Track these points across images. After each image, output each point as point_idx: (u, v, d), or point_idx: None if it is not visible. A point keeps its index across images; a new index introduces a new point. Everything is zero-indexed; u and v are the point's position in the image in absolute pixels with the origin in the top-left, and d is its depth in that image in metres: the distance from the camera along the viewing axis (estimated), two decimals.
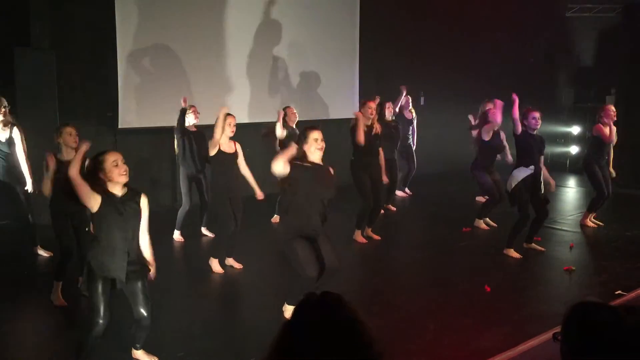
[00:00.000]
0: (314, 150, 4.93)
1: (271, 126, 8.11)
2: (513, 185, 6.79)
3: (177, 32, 9.25)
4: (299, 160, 4.89)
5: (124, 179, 4.03)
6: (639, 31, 11.06)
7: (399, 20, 11.70)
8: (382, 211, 8.92)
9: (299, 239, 4.85)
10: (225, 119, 6.27)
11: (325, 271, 4.97)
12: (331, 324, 1.59)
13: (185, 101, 7.38)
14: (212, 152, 6.28)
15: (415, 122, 10.15)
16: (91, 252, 4.05)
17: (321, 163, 5.01)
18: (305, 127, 5.14)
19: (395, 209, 9.35)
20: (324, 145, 4.98)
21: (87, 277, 4.04)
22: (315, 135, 4.95)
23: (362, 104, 7.63)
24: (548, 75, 13.10)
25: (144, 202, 4.15)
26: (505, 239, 7.05)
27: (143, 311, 4.11)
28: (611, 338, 1.57)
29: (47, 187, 5.44)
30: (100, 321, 3.95)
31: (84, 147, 4.17)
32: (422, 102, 12.19)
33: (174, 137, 7.63)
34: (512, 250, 6.98)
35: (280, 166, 4.74)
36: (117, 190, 4.03)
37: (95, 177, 3.99)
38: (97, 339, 4.03)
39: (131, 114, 8.95)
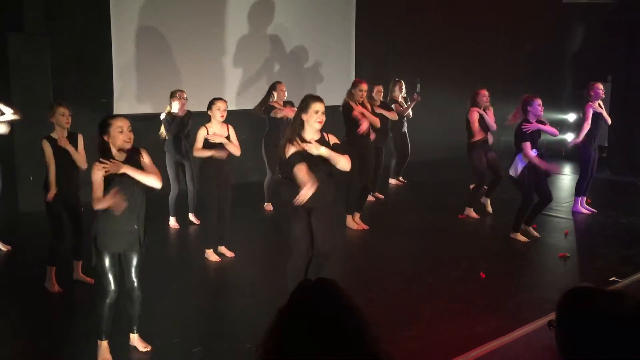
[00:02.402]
0: (313, 122, 4.69)
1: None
2: (519, 171, 6.78)
3: (171, 18, 9.19)
4: (294, 139, 4.70)
5: (126, 146, 4.12)
6: (635, 18, 11.04)
7: (396, 6, 11.64)
8: (373, 199, 8.93)
9: (300, 213, 4.77)
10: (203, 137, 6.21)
11: (314, 256, 4.90)
12: (326, 310, 1.59)
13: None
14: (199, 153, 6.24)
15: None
16: (96, 228, 4.11)
17: (317, 135, 4.77)
18: (308, 95, 4.86)
19: (383, 196, 9.33)
20: (324, 120, 4.75)
21: (94, 251, 4.13)
22: (317, 107, 4.68)
23: (354, 84, 7.59)
24: (544, 62, 13.07)
25: (144, 155, 4.24)
26: (501, 225, 7.06)
27: (135, 280, 4.24)
28: (605, 323, 1.57)
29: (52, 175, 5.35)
30: (112, 288, 4.11)
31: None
32: (417, 89, 12.16)
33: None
34: (519, 234, 6.98)
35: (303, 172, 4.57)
36: (120, 157, 4.12)
37: (101, 139, 4.10)
38: (112, 308, 4.15)
39: (126, 100, 8.91)
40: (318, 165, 4.69)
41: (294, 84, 10.26)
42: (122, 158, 4.12)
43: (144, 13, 8.94)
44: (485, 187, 8.21)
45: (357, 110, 7.32)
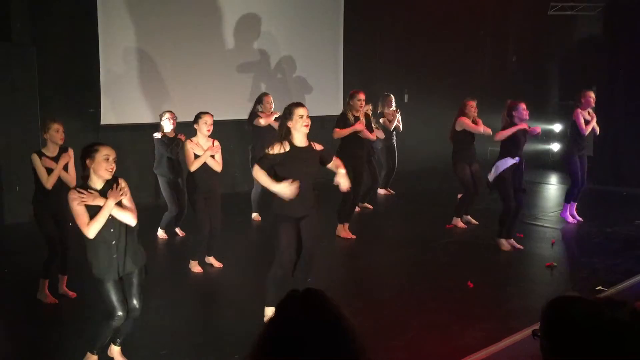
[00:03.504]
0: (300, 127, 4.77)
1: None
2: (497, 174, 6.81)
3: (159, 29, 9.20)
4: (278, 144, 4.77)
5: (107, 176, 4.03)
6: (619, 30, 11.17)
7: (383, 17, 11.72)
8: (358, 209, 8.93)
9: (287, 223, 4.80)
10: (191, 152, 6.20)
11: (301, 256, 4.94)
12: (314, 320, 1.59)
13: (183, 137, 7.18)
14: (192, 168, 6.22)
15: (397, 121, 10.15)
16: (89, 257, 4.02)
17: (306, 142, 4.86)
18: (291, 103, 4.96)
19: (371, 206, 9.34)
20: (310, 122, 4.83)
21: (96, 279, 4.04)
22: (301, 112, 4.78)
23: (352, 95, 7.60)
24: (530, 73, 13.19)
25: (123, 185, 4.11)
26: (488, 234, 7.09)
27: (135, 302, 4.16)
28: (589, 331, 1.58)
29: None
30: (119, 314, 4.02)
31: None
32: (405, 100, 12.23)
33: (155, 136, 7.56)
34: (503, 240, 7.00)
35: (262, 178, 4.73)
36: (98, 184, 4.03)
37: (82, 162, 4.01)
38: (115, 330, 4.11)
39: (113, 111, 8.89)
40: (306, 171, 4.78)
41: (282, 95, 10.29)
42: (100, 186, 4.02)
43: (131, 23, 8.93)
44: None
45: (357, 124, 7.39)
